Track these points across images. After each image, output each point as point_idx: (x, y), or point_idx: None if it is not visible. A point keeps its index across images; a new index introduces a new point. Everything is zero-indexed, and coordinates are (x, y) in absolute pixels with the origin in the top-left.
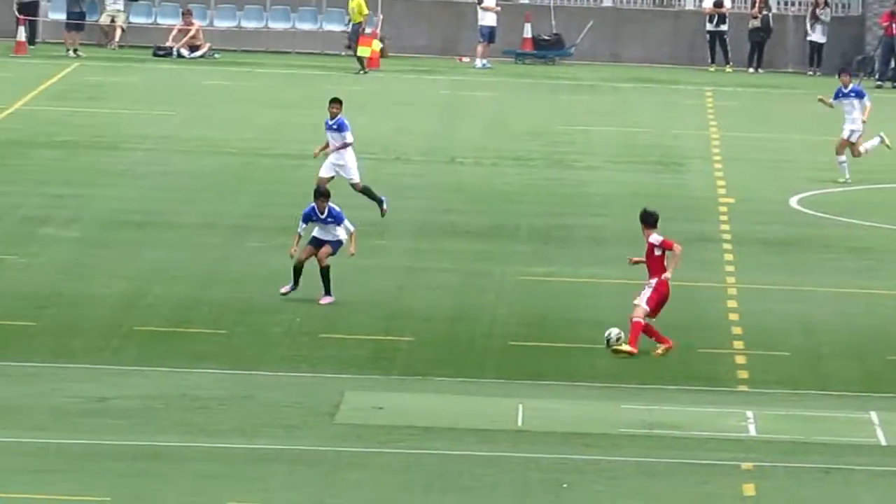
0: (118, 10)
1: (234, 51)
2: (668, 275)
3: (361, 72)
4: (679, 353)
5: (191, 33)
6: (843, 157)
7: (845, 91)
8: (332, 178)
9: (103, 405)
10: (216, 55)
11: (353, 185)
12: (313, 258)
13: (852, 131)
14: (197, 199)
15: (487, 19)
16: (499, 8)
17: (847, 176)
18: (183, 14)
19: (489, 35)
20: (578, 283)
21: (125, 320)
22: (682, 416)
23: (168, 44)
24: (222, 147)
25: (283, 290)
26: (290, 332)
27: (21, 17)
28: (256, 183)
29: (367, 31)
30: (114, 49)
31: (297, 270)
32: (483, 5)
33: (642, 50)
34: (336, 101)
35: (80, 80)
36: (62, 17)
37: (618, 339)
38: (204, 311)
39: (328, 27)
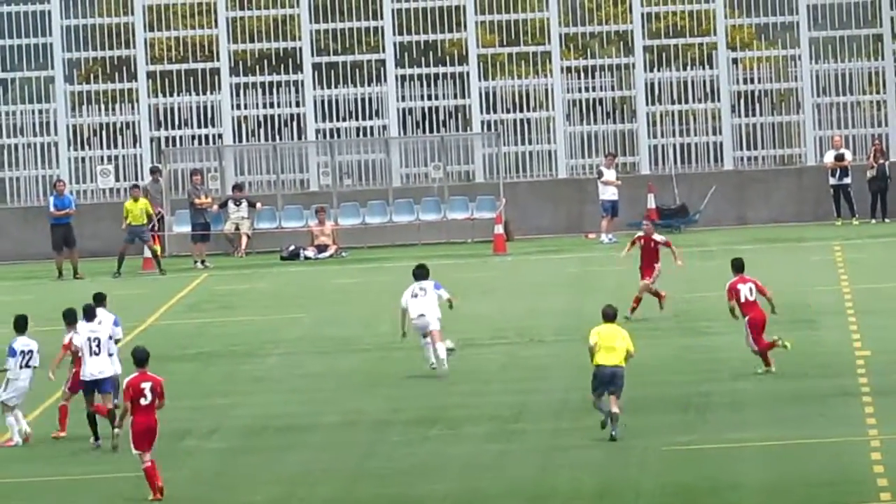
0: (242, 218)
1: (361, 247)
2: None
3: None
4: None
5: (325, 233)
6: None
7: None
8: None
9: None
10: (344, 254)
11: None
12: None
13: None
14: (336, 399)
15: (608, 193)
16: (619, 182)
17: None
18: (317, 212)
19: (612, 209)
20: (721, 450)
21: None
22: None
23: (293, 248)
24: (356, 344)
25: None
26: None
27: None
28: (392, 377)
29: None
30: (241, 257)
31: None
32: (603, 180)
33: (767, 210)
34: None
35: (211, 290)
36: (187, 229)
37: None
38: None
39: (452, 216)
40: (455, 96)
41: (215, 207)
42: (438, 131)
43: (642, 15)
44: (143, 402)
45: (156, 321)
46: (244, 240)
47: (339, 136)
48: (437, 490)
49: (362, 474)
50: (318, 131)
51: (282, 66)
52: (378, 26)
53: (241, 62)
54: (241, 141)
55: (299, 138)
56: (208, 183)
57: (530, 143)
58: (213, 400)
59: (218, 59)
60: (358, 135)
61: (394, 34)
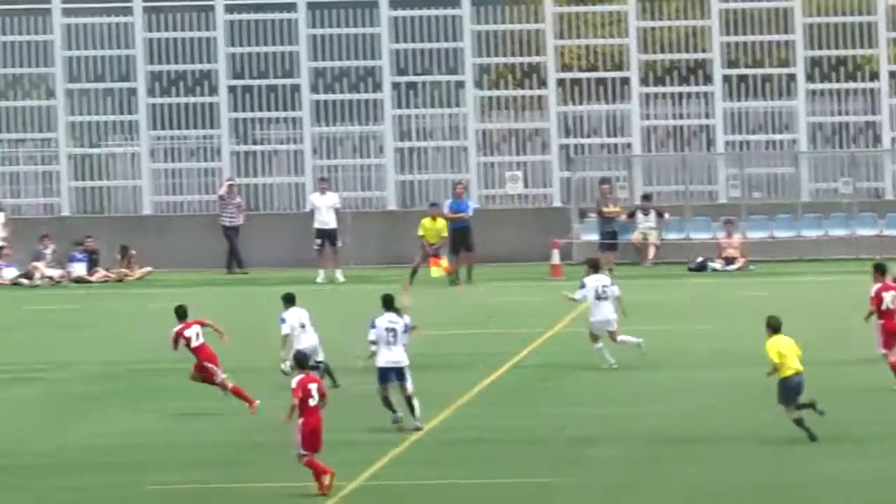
0: (650, 228)
1: (769, 261)
2: None
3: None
4: None
5: (732, 246)
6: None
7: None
8: None
9: None
10: (751, 267)
11: None
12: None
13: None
14: (738, 411)
15: None
16: None
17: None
18: (725, 224)
19: None
20: None
21: None
22: None
23: (700, 259)
24: (761, 358)
25: None
26: None
27: (556, 241)
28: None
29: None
30: (648, 266)
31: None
32: None
33: None
34: None
35: None
36: (595, 237)
37: None
38: None
39: (861, 232)
40: (870, 112)
41: (623, 216)
42: (849, 147)
43: None
44: None
45: (562, 328)
46: (652, 250)
47: (748, 148)
48: None
49: (769, 491)
50: (727, 143)
51: (692, 77)
52: (788, 40)
53: (650, 72)
54: (649, 151)
55: (708, 150)
56: (616, 192)
57: None
58: (617, 408)
59: (543, 72)
60: (767, 148)
61: (804, 49)
